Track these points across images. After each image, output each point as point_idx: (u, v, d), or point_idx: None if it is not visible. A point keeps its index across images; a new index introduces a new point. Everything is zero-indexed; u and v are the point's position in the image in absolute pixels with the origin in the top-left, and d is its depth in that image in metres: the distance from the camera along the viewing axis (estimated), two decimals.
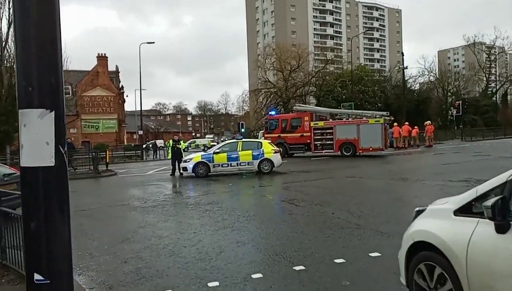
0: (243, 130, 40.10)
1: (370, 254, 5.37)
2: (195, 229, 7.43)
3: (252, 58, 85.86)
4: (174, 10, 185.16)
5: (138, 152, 36.17)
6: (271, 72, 58.61)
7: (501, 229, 2.62)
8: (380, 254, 5.35)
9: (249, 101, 65.50)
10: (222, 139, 55.07)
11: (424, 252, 3.29)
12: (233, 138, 36.21)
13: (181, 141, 18.87)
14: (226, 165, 16.65)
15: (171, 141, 18.62)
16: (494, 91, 60.03)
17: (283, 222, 7.82)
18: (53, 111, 1.46)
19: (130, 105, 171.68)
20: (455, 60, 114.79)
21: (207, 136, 78.86)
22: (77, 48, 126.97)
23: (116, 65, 57.51)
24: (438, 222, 3.23)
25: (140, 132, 38.39)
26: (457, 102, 42.85)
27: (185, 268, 5.24)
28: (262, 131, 29.35)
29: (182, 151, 18.32)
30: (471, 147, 27.69)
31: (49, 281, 1.33)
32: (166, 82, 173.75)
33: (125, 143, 51.26)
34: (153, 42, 37.00)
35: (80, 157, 25.12)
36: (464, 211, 3.03)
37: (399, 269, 4.54)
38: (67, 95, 45.37)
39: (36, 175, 1.37)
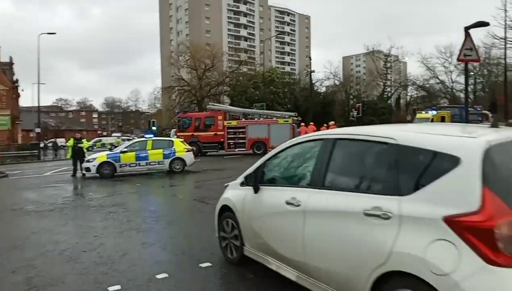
0: (154, 128, 38.71)
1: None
2: (97, 232, 6.98)
3: (165, 55, 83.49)
4: (80, 1, 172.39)
5: (35, 151, 32.94)
6: (184, 70, 57.75)
7: (255, 191, 4.33)
8: None
9: (162, 99, 63.79)
10: (131, 137, 52.62)
11: (226, 213, 4.95)
12: (141, 137, 34.93)
13: (84, 140, 17.59)
14: (135, 165, 15.97)
15: (71, 140, 17.26)
16: (389, 95, 66.39)
17: (192, 221, 7.74)
18: None
19: (26, 100, 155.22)
20: (357, 66, 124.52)
21: (113, 134, 74.39)
22: None
23: (10, 56, 51.64)
24: (232, 191, 4.93)
25: (38, 130, 35.01)
26: (357, 104, 46.55)
27: (83, 274, 4.89)
28: (175, 129, 28.76)
29: (84, 150, 17.12)
30: None
31: None
32: (69, 77, 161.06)
33: (20, 142, 46.29)
34: (54, 33, 33.95)
35: None
36: (243, 183, 4.70)
37: None
38: None
39: None
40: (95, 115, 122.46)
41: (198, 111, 40.25)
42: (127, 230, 7.13)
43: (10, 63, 51.31)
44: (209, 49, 55.01)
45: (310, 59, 43.82)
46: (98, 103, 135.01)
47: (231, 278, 4.54)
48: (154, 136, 20.59)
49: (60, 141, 43.78)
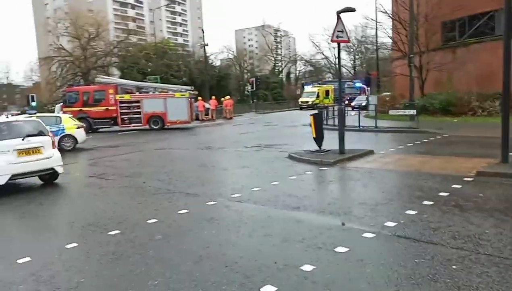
0: (34, 103, 35.29)
1: (179, 212, 6.11)
2: None
3: (39, 21, 74.56)
4: None
5: None
6: (65, 39, 52.56)
7: None
8: (188, 210, 6.16)
9: (40, 71, 57.47)
10: (6, 115, 46.72)
11: None
12: (23, 113, 31.52)
13: None
14: None
15: None
16: (280, 70, 69.96)
17: (94, 196, 7.80)
18: None
19: None
20: (249, 40, 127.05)
21: None
22: None
23: None
24: None
25: None
26: (251, 79, 48.30)
27: None
28: (60, 105, 26.59)
29: None
30: (263, 118, 32.04)
31: None
32: None
33: None
34: None
35: None
36: None
37: (203, 220, 5.46)
38: None
39: None
40: None
41: (84, 84, 37.49)
42: (24, 208, 6.93)
43: None
44: (93, 17, 50.84)
45: (203, 32, 43.69)
46: None
47: (141, 241, 4.97)
48: (36, 112, 18.96)
49: None
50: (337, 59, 59.25)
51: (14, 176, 8.11)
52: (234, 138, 18.13)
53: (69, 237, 5.24)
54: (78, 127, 16.06)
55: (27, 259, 4.52)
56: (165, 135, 20.90)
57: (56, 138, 15.21)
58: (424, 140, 13.46)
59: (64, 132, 15.47)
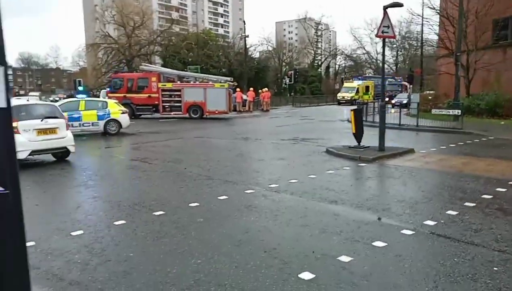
0: (80, 88, 36.86)
1: (219, 198, 6.33)
2: (45, 188, 7.19)
3: (88, 8, 77.54)
4: None
5: None
6: (111, 27, 54.44)
7: None
8: (227, 197, 6.36)
9: (86, 57, 59.92)
10: (51, 98, 49.16)
11: None
12: (71, 96, 33.07)
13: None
14: None
15: None
16: (319, 63, 69.09)
17: (138, 178, 8.19)
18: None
19: None
20: (289, 32, 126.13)
21: (31, 93, 68.02)
22: None
23: None
24: None
25: None
26: (289, 72, 48.09)
27: (44, 223, 5.25)
28: (105, 90, 27.69)
29: None
30: (300, 112, 31.94)
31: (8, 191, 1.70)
32: None
33: None
34: None
35: None
36: None
37: (242, 207, 5.62)
38: None
39: None
40: (9, 72, 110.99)
41: (129, 72, 38.75)
42: (75, 186, 7.44)
43: None
44: (138, 5, 52.24)
45: (245, 23, 43.88)
46: (12, 59, 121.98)
47: (183, 223, 5.22)
48: (87, 97, 19.88)
49: None
50: (379, 55, 57.41)
51: (33, 152, 9.19)
52: (270, 130, 18.25)
53: (117, 215, 5.58)
54: (123, 113, 16.72)
55: (80, 232, 4.88)
56: (203, 124, 21.35)
57: (102, 123, 16.05)
58: (468, 141, 13.01)
59: (109, 117, 16.16)
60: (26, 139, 8.87)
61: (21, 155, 8.60)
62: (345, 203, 6.03)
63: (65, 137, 9.80)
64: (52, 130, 9.50)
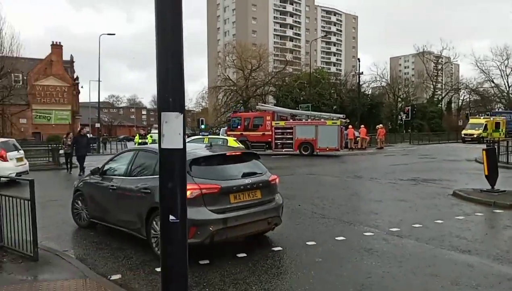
0: (202, 126, 40.37)
1: (336, 238, 6.21)
2: None
3: (212, 55, 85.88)
4: (128, 6, 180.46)
5: (95, 145, 35.37)
6: (231, 70, 59.20)
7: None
8: (344, 238, 6.21)
9: (208, 98, 65.68)
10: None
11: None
12: (194, 134, 36.38)
13: (149, 136, 19.00)
14: None
15: (138, 135, 18.81)
16: (440, 98, 64.37)
17: None
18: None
19: (83, 97, 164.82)
20: (405, 67, 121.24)
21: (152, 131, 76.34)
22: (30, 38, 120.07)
23: (71, 55, 55.38)
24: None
25: (97, 125, 37.51)
26: (406, 107, 45.72)
27: None
28: (225, 128, 29.89)
29: (148, 144, 18.52)
30: (418, 150, 29.90)
31: (178, 220, 2.01)
32: (119, 76, 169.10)
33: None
34: (114, 34, 36.19)
35: (33, 148, 24.43)
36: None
37: (361, 250, 5.40)
38: (17, 84, 43.19)
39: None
40: (144, 112, 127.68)
41: (245, 111, 41.29)
42: None
43: (71, 61, 55.08)
44: (255, 50, 55.98)
45: (359, 61, 43.45)
46: (147, 101, 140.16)
47: (302, 260, 5.23)
48: (208, 134, 21.66)
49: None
50: (510, 88, 51.49)
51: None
52: (385, 169, 17.39)
53: (240, 247, 5.85)
54: None
55: (206, 262, 5.23)
56: (314, 161, 21.38)
57: None
58: None
59: None
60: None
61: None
62: (480, 254, 5.39)
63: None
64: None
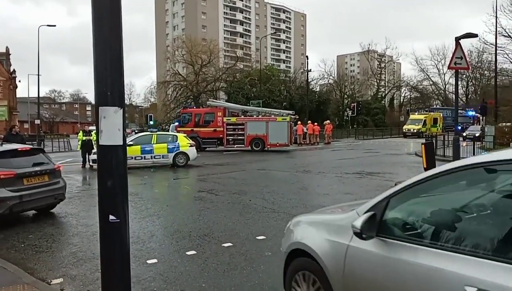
0: (151, 122, 39.35)
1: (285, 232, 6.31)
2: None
3: (160, 49, 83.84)
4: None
5: (34, 142, 33.25)
6: (181, 65, 58.15)
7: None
8: None
9: (157, 93, 64.14)
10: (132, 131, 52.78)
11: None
12: (142, 131, 35.38)
13: (93, 133, 18.14)
14: (140, 158, 16.57)
15: (81, 132, 17.89)
16: (383, 95, 67.53)
17: (206, 209, 8.46)
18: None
19: (21, 92, 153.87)
20: (351, 65, 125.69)
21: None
22: None
23: (7, 46, 51.63)
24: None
25: (37, 121, 35.34)
26: (352, 104, 47.58)
27: None
28: (175, 124, 29.34)
29: (92, 142, 17.69)
30: (363, 145, 31.21)
31: (119, 220, 1.91)
32: (61, 71, 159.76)
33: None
34: (54, 26, 34.12)
35: None
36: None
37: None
38: None
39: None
40: (88, 108, 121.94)
41: (195, 107, 40.81)
42: (148, 216, 7.86)
43: (7, 54, 51.33)
44: (206, 45, 55.45)
45: (307, 58, 44.45)
46: (91, 96, 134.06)
47: (252, 255, 5.29)
48: (157, 131, 21.14)
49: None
50: (448, 85, 54.46)
51: None
52: (332, 163, 17.98)
53: (188, 245, 5.79)
54: (191, 146, 17.52)
55: (155, 260, 5.14)
56: (265, 156, 21.63)
57: (171, 155, 16.90)
58: None
59: (179, 149, 17.01)
60: None
61: None
62: None
63: None
64: None
